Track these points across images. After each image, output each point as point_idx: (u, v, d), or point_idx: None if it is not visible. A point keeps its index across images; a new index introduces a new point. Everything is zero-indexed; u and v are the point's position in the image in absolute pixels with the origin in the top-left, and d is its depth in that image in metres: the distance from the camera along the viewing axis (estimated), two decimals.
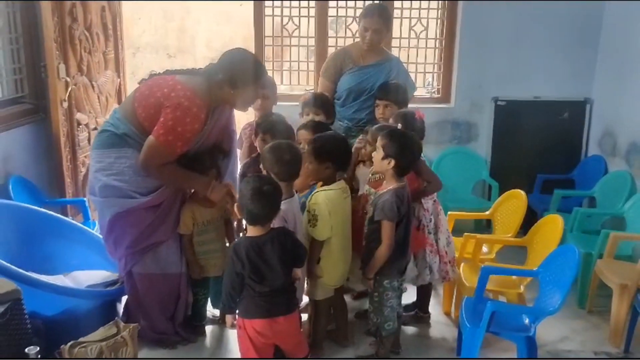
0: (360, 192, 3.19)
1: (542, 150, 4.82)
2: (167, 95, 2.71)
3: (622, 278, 3.18)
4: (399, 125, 3.03)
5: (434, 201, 3.18)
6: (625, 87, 4.32)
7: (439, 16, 4.87)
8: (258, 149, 3.28)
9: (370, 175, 3.07)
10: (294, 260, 2.49)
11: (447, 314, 3.50)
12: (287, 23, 4.86)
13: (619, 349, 3.16)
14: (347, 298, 3.43)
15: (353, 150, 3.22)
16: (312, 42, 4.89)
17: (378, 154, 2.82)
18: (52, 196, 3.99)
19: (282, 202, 2.60)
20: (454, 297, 3.45)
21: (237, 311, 2.49)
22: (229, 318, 2.54)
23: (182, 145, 2.72)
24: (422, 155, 3.05)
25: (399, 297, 2.92)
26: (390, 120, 3.20)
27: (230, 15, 8.40)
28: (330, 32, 4.92)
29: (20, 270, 2.69)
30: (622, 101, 4.36)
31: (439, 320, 3.44)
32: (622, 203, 3.99)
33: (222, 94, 2.82)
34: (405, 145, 2.75)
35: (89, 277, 3.20)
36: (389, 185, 2.80)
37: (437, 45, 4.91)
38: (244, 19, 8.38)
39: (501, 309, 2.71)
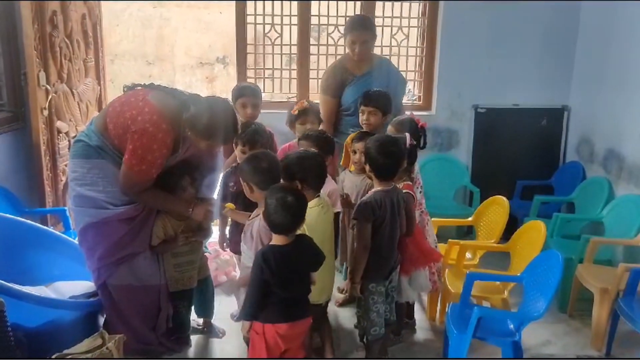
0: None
1: (521, 157, 4.91)
2: (135, 119, 2.68)
3: (602, 282, 3.24)
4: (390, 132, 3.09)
5: (422, 212, 3.20)
6: (601, 95, 4.42)
7: (420, 25, 4.92)
8: (238, 159, 3.28)
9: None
10: (314, 266, 2.52)
11: (432, 319, 3.52)
12: (269, 31, 4.87)
13: (601, 352, 3.22)
14: (331, 306, 3.44)
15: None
16: (294, 49, 4.91)
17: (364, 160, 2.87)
18: (32, 205, 3.92)
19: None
20: (439, 303, 3.48)
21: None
22: (246, 325, 2.52)
23: (156, 171, 2.73)
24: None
25: (389, 304, 2.93)
26: (389, 127, 3.22)
27: (209, 23, 8.36)
28: (312, 40, 4.94)
29: (2, 282, 2.64)
30: (599, 109, 4.46)
31: (424, 326, 3.47)
32: (600, 208, 4.08)
33: (184, 128, 2.77)
34: (378, 152, 2.78)
35: (71, 287, 3.15)
36: (375, 189, 2.83)
37: (417, 54, 4.96)
38: (223, 27, 8.38)
39: (487, 315, 2.73)
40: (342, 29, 4.89)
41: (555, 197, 4.67)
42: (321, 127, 3.77)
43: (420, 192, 3.23)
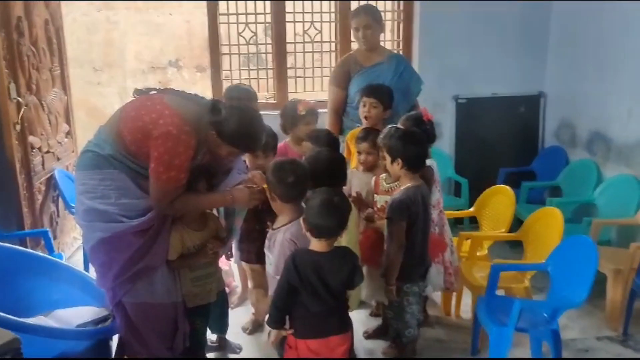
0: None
1: (503, 144, 4.96)
2: (155, 122, 2.50)
3: (615, 263, 3.29)
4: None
5: (440, 211, 3.15)
6: (579, 79, 4.52)
7: (396, 18, 4.88)
8: (247, 162, 3.15)
9: (384, 183, 2.98)
10: (349, 284, 2.35)
11: (448, 314, 3.48)
12: (244, 30, 4.70)
13: (618, 332, 3.26)
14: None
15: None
16: (269, 48, 4.78)
17: (387, 160, 2.77)
18: (9, 228, 3.60)
19: (290, 225, 2.51)
20: (454, 296, 3.45)
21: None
22: (273, 333, 2.37)
23: (185, 176, 2.55)
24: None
25: (420, 304, 2.86)
26: (399, 125, 3.14)
27: (159, 25, 8.04)
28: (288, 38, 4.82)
29: (12, 317, 2.39)
30: (577, 92, 4.55)
31: (441, 322, 3.42)
32: (591, 190, 4.16)
33: (207, 134, 2.58)
34: (406, 141, 2.71)
35: (75, 315, 2.90)
36: (404, 185, 2.75)
37: (395, 47, 4.91)
38: (174, 29, 8.10)
39: (527, 307, 2.71)
40: (318, 25, 4.82)
41: (542, 182, 4.74)
42: (327, 118, 3.77)
43: (439, 190, 3.17)
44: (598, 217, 3.92)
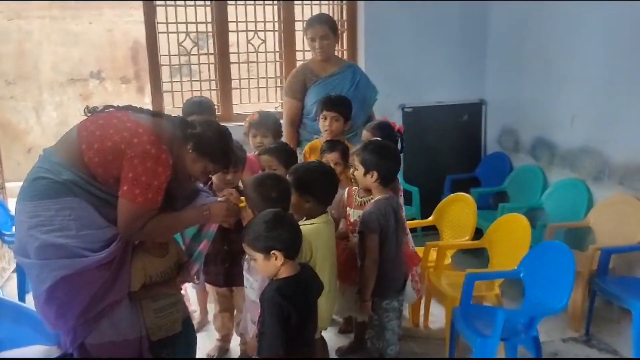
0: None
1: (448, 152, 5.02)
2: (129, 141, 2.27)
3: None
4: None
5: (404, 218, 3.11)
6: (519, 86, 4.66)
7: (339, 27, 4.83)
8: (214, 179, 2.99)
9: (357, 197, 2.89)
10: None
11: (416, 326, 3.45)
12: (184, 40, 4.49)
13: (580, 333, 3.35)
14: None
15: None
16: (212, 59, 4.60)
17: (359, 172, 2.70)
18: None
19: None
20: (422, 307, 3.42)
21: None
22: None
23: (161, 199, 2.34)
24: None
25: (399, 318, 2.79)
26: (364, 132, 3.09)
27: (78, 35, 7.58)
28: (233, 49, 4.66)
29: None
30: (519, 99, 4.68)
31: (411, 334, 3.37)
32: (537, 195, 4.28)
33: (180, 149, 2.41)
34: (382, 154, 2.68)
35: (24, 356, 2.61)
36: (374, 198, 2.70)
37: (340, 57, 4.85)
38: (95, 39, 7.68)
39: (511, 316, 2.70)
40: (261, 34, 4.69)
41: (486, 188, 4.82)
42: (284, 130, 3.65)
43: (402, 196, 3.14)
44: (547, 221, 4.03)
